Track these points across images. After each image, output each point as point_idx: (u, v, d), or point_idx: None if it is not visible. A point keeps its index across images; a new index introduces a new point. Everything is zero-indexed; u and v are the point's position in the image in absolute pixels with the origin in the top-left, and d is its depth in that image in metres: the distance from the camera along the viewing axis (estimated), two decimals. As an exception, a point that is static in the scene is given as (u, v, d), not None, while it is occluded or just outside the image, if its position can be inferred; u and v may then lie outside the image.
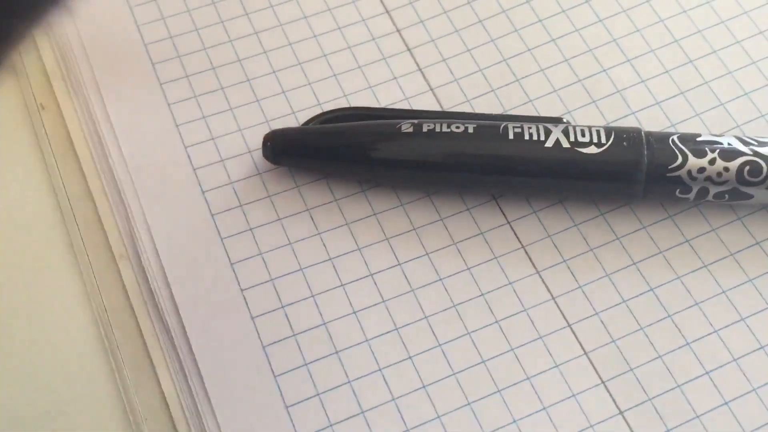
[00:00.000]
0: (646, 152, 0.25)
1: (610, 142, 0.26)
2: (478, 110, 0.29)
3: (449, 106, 0.29)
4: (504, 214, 0.27)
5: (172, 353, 0.25)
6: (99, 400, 0.25)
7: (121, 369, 0.25)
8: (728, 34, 0.30)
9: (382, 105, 0.29)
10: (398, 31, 0.31)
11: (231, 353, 0.25)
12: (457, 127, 0.26)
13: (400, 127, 0.26)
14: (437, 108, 0.29)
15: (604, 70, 0.30)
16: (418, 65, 0.30)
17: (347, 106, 0.29)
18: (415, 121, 0.27)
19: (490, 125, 0.26)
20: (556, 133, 0.26)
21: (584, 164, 0.25)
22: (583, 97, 0.29)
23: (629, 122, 0.29)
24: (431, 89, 0.30)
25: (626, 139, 0.26)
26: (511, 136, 0.26)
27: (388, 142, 0.26)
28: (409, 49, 0.31)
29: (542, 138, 0.26)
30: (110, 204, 0.27)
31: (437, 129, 0.26)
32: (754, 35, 0.30)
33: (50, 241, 0.27)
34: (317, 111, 0.29)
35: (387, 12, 0.31)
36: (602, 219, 0.27)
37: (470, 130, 0.26)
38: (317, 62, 0.30)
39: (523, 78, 0.30)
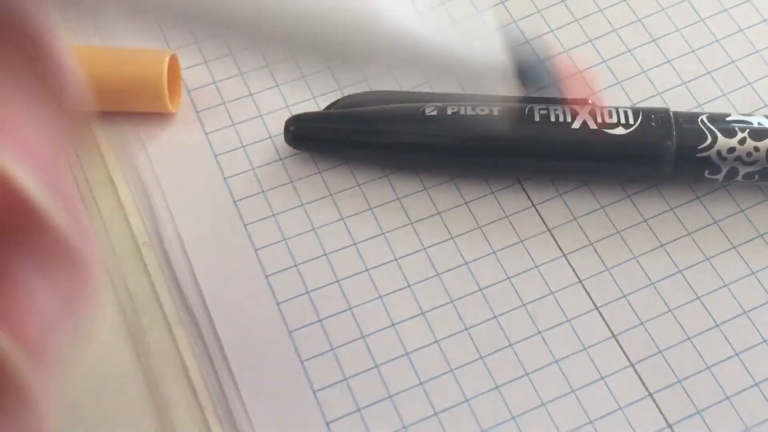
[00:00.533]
0: (675, 132, 0.25)
1: (638, 123, 0.25)
2: (501, 93, 0.29)
3: (471, 89, 0.29)
4: (529, 197, 0.27)
5: (198, 340, 0.25)
6: (125, 387, 0.25)
7: (148, 355, 0.25)
8: (755, 12, 0.30)
9: (402, 88, 0.29)
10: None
11: (257, 339, 0.25)
12: (482, 110, 0.26)
13: (425, 110, 0.26)
14: (459, 91, 0.29)
15: (629, 51, 0.29)
16: (439, 48, 0.30)
17: (368, 90, 0.29)
18: (440, 103, 0.26)
19: (515, 107, 0.26)
20: (583, 115, 0.25)
21: (612, 145, 0.25)
22: (608, 77, 0.29)
23: (655, 103, 0.28)
24: (453, 72, 0.29)
25: (654, 119, 0.25)
26: (537, 118, 0.25)
27: (412, 125, 0.26)
28: (430, 32, 0.30)
29: (569, 119, 0.25)
30: (131, 191, 0.27)
31: (462, 112, 0.26)
32: (781, 13, 0.30)
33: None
34: (338, 96, 0.29)
35: None
36: (629, 201, 0.27)
37: (495, 113, 0.26)
38: (337, 46, 0.30)
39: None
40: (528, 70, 0.18)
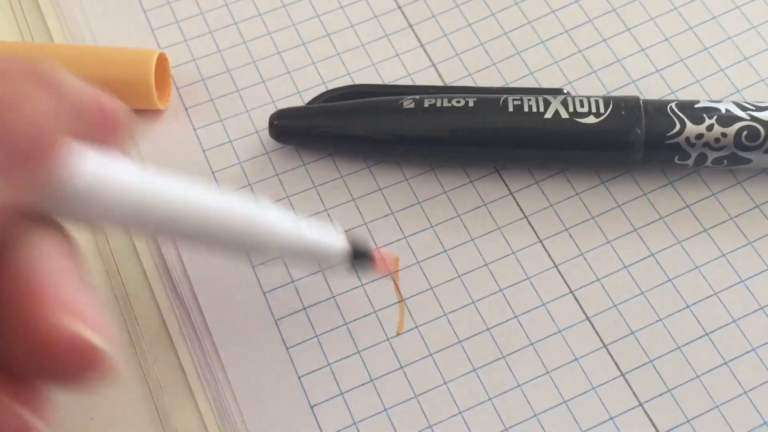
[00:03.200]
0: (644, 120, 0.26)
1: (608, 112, 0.26)
2: (480, 84, 0.30)
3: (451, 81, 0.30)
4: (507, 186, 0.28)
5: (188, 325, 0.26)
6: (120, 371, 0.26)
7: (140, 341, 0.26)
8: (728, 0, 0.31)
9: (385, 82, 0.30)
10: (400, 8, 0.31)
11: (243, 325, 0.26)
12: (458, 102, 0.27)
13: (402, 103, 0.27)
14: (440, 83, 0.30)
15: (604, 40, 0.30)
16: (420, 41, 0.31)
17: (350, 84, 0.30)
18: (417, 96, 0.27)
19: (490, 98, 0.27)
20: (555, 104, 0.26)
21: (583, 134, 0.26)
22: (584, 67, 0.30)
23: (629, 91, 0.29)
24: (433, 65, 0.30)
25: (624, 107, 0.26)
26: (510, 109, 0.26)
27: (390, 118, 0.27)
28: (410, 26, 0.31)
29: (542, 109, 0.26)
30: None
31: (438, 104, 0.27)
32: (753, 0, 0.31)
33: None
34: (322, 90, 0.30)
35: (388, -11, 0.32)
36: (603, 187, 0.28)
37: (471, 104, 0.27)
38: (321, 42, 0.31)
39: (523, 51, 0.30)
40: (359, 259, 0.24)
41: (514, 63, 0.30)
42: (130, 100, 0.28)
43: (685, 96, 0.29)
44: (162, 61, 0.29)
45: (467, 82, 0.30)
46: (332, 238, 0.23)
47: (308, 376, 0.25)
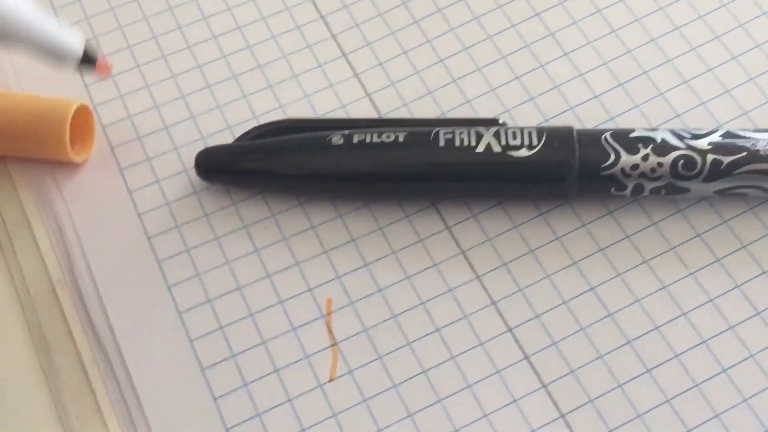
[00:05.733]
0: (577, 152, 0.25)
1: (541, 144, 0.25)
2: (416, 114, 0.29)
3: (387, 111, 0.29)
4: (443, 220, 0.27)
5: (112, 380, 0.25)
6: (39, 428, 0.25)
7: (60, 395, 0.25)
8: (667, 21, 0.30)
9: (319, 114, 0.29)
10: (333, 36, 0.31)
11: (168, 377, 0.25)
12: (388, 137, 0.26)
13: (331, 139, 0.26)
14: (374, 114, 0.29)
15: (542, 66, 0.29)
16: (354, 71, 0.30)
17: (283, 117, 0.29)
18: (346, 132, 0.26)
19: (421, 132, 0.26)
20: (488, 138, 0.25)
21: (516, 168, 0.25)
22: (521, 94, 0.29)
23: (567, 118, 0.28)
24: (368, 95, 0.29)
25: (558, 139, 0.25)
26: (441, 143, 0.25)
27: (319, 155, 0.26)
28: (344, 55, 0.30)
29: (473, 143, 0.25)
30: (46, 229, 0.27)
31: (368, 140, 0.26)
32: (693, 20, 0.30)
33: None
34: (253, 124, 0.29)
35: (322, 17, 0.31)
36: (542, 219, 0.27)
37: (401, 139, 0.26)
38: (252, 73, 0.30)
39: (460, 78, 0.29)
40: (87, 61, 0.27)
41: (450, 91, 0.29)
42: (46, 152, 0.27)
43: (624, 121, 0.28)
44: (84, 111, 0.28)
45: (403, 112, 0.29)
46: (69, 36, 0.26)
47: (237, 427, 0.24)
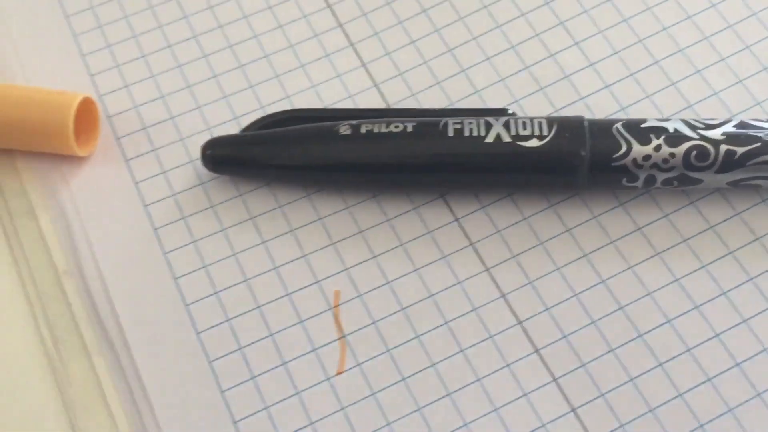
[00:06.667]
0: (588, 143, 0.25)
1: (551, 134, 0.25)
2: (424, 104, 0.28)
3: (394, 101, 0.29)
4: (452, 211, 0.27)
5: (118, 371, 0.25)
6: (45, 418, 0.25)
7: (68, 385, 0.25)
8: (679, 10, 0.30)
9: (326, 104, 0.29)
10: (341, 25, 0.30)
11: (176, 368, 0.25)
12: (396, 127, 0.25)
13: (338, 129, 0.26)
14: (382, 104, 0.29)
15: (552, 55, 0.29)
16: (361, 60, 0.29)
17: (290, 107, 0.29)
18: (354, 122, 0.26)
19: (429, 122, 0.26)
20: (497, 128, 0.25)
21: (526, 158, 0.25)
22: (531, 84, 0.28)
23: (577, 108, 0.28)
24: (375, 85, 0.29)
25: (568, 129, 0.25)
26: (450, 133, 0.25)
27: (325, 146, 0.26)
28: (352, 44, 0.30)
29: (483, 133, 0.25)
30: (52, 221, 0.27)
31: (375, 130, 0.25)
32: (706, 9, 0.29)
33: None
34: (260, 114, 0.28)
35: (329, 6, 0.30)
36: (552, 211, 0.27)
37: (409, 129, 0.25)
38: (259, 63, 0.29)
39: (469, 68, 0.29)
40: None
41: (458, 81, 0.29)
42: (51, 146, 0.27)
43: (635, 111, 0.28)
44: (88, 104, 0.27)
45: (411, 102, 0.29)
46: None
47: (245, 421, 0.24)
